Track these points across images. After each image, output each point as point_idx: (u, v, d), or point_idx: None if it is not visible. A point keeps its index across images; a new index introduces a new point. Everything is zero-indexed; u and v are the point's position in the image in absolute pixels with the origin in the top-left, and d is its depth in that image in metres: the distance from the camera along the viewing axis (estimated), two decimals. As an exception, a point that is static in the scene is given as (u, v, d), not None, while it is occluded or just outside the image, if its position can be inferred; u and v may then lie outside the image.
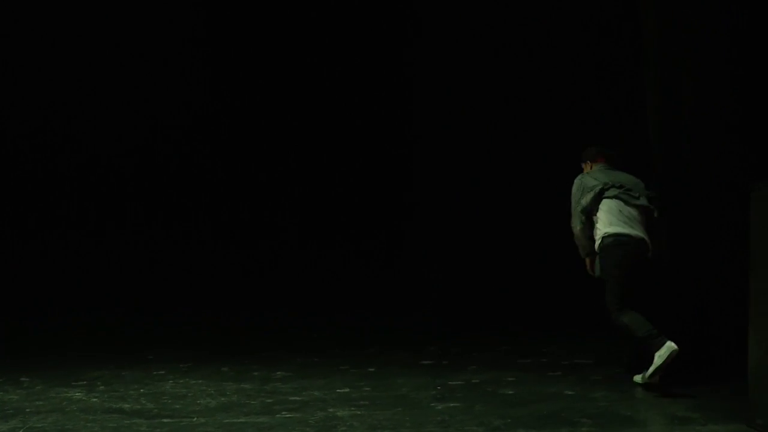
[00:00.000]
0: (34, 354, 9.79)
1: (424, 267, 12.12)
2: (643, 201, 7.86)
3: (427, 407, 7.19)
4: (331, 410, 7.13)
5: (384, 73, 13.22)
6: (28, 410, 7.24)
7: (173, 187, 13.66)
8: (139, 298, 12.44)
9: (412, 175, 12.71)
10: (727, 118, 8.26)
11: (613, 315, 7.61)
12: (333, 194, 13.52)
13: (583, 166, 8.24)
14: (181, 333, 11.04)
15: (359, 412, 7.04)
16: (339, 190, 13.50)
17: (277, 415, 7.01)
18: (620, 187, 7.86)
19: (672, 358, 7.35)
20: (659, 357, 7.35)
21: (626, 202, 7.84)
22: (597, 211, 7.84)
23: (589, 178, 7.98)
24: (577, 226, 7.94)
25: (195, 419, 6.93)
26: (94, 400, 7.59)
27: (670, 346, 7.34)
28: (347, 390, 7.82)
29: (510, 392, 7.65)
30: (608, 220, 7.79)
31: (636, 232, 7.75)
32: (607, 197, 7.84)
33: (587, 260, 8.02)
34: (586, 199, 7.84)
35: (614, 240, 7.72)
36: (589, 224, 7.90)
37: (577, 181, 8.04)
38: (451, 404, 7.26)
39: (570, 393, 7.59)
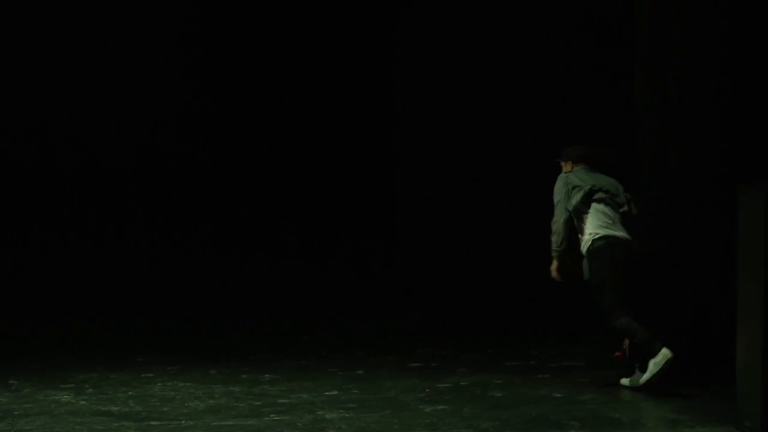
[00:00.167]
0: (23, 357, 9.76)
1: (413, 269, 12.09)
2: (626, 207, 7.86)
3: (416, 410, 7.18)
4: (319, 413, 7.11)
5: (383, 73, 13.18)
6: (16, 413, 7.24)
7: (173, 187, 13.64)
8: (133, 299, 12.43)
9: (403, 178, 12.67)
10: (718, 118, 8.24)
11: (609, 319, 7.56)
12: (329, 196, 13.50)
13: (563, 164, 8.16)
14: (171, 335, 11.04)
15: (348, 415, 7.03)
16: (337, 191, 13.48)
17: (266, 418, 7.00)
18: (606, 192, 7.84)
19: (668, 365, 7.31)
20: (655, 365, 7.32)
21: (612, 207, 7.82)
22: (584, 213, 7.80)
23: (575, 177, 7.93)
24: (561, 218, 7.82)
25: (183, 422, 6.92)
26: (83, 402, 7.58)
27: (665, 353, 7.30)
28: (336, 392, 7.81)
29: (498, 395, 7.63)
30: (596, 223, 7.76)
31: (624, 234, 7.74)
32: (595, 200, 7.81)
33: (556, 261, 7.84)
34: (577, 198, 7.79)
35: (605, 242, 7.68)
36: (570, 226, 7.85)
37: (562, 177, 7.97)
38: (440, 407, 7.24)
39: (558, 395, 7.57)
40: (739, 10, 8.21)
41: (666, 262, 8.54)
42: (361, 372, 8.72)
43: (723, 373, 7.13)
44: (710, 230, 8.35)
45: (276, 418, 7.00)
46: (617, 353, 7.92)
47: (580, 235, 7.83)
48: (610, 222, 7.76)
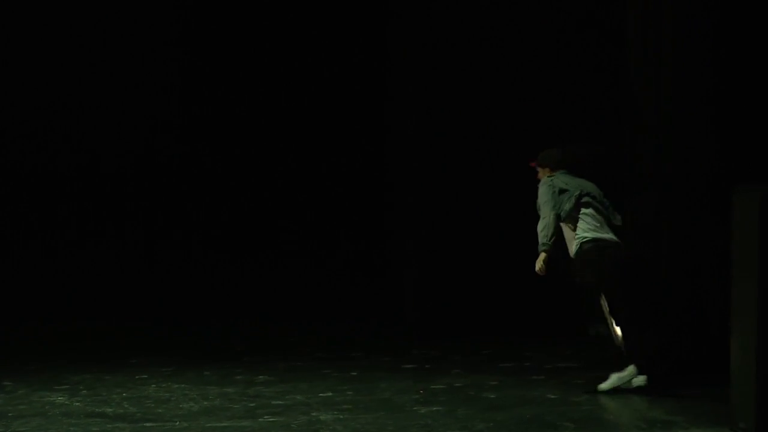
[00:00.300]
0: (17, 358, 9.77)
1: (407, 271, 12.07)
2: (609, 211, 7.88)
3: (410, 411, 7.19)
4: (314, 414, 7.12)
5: (383, 73, 13.17)
6: (10, 414, 7.25)
7: (173, 187, 13.63)
8: (133, 300, 12.42)
9: (402, 178, 12.64)
10: (716, 119, 8.22)
11: (591, 323, 7.60)
12: (329, 196, 13.49)
13: (540, 170, 8.12)
14: (165, 337, 11.05)
15: (342, 416, 7.04)
16: (337, 191, 13.46)
17: (260, 419, 7.01)
18: (593, 197, 7.88)
19: (628, 385, 7.48)
20: (618, 378, 7.46)
21: (598, 211, 7.84)
22: (573, 217, 7.80)
23: (561, 182, 7.92)
24: (550, 216, 7.77)
25: (178, 423, 6.93)
26: (77, 404, 7.59)
27: (639, 380, 7.44)
28: (330, 394, 7.82)
29: (492, 396, 7.64)
30: (585, 227, 7.78)
31: (612, 236, 7.76)
32: (583, 204, 7.83)
33: (544, 254, 7.77)
34: (570, 204, 7.80)
35: (593, 245, 7.70)
36: (557, 228, 7.84)
37: (546, 181, 7.95)
38: (434, 408, 7.25)
39: (553, 397, 7.58)
40: (735, 9, 8.20)
41: (665, 263, 8.52)
42: (355, 373, 8.73)
43: (721, 374, 7.10)
44: (709, 231, 8.34)
45: (270, 419, 7.01)
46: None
47: (567, 240, 7.84)
48: (599, 225, 7.81)
